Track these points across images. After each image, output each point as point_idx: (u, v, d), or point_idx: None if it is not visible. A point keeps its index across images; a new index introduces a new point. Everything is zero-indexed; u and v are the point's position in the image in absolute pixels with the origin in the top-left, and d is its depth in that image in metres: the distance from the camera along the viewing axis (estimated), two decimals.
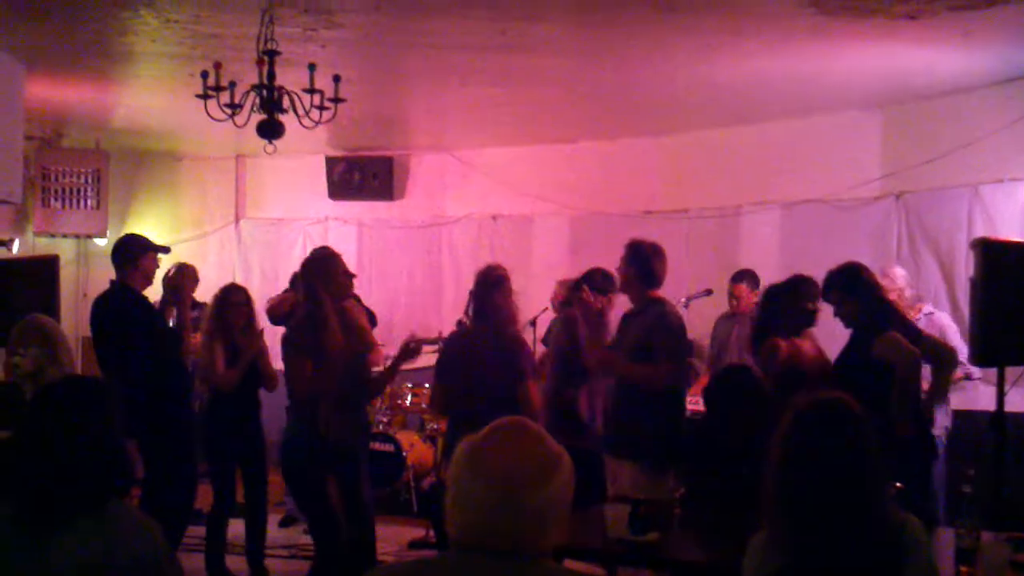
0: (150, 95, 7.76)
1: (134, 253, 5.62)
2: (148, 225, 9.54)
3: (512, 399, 4.95)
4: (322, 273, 5.03)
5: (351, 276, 5.25)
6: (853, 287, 5.15)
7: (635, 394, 5.31)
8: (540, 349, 7.48)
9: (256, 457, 6.25)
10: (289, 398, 5.16)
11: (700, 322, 7.77)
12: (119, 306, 5.54)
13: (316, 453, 4.96)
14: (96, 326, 5.59)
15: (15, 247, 8.87)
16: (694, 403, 7.27)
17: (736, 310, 7.54)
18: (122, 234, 5.98)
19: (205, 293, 8.25)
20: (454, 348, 5.49)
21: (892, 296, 6.41)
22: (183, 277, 5.87)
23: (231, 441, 6.19)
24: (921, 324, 6.32)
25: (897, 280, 6.51)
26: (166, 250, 5.96)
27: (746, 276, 7.53)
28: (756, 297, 7.46)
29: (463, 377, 5.28)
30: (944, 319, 6.61)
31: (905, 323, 5.27)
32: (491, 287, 5.23)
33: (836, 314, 5.25)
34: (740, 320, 7.51)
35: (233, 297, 6.12)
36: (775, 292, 5.44)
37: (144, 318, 5.60)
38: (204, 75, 5.53)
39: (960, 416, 6.40)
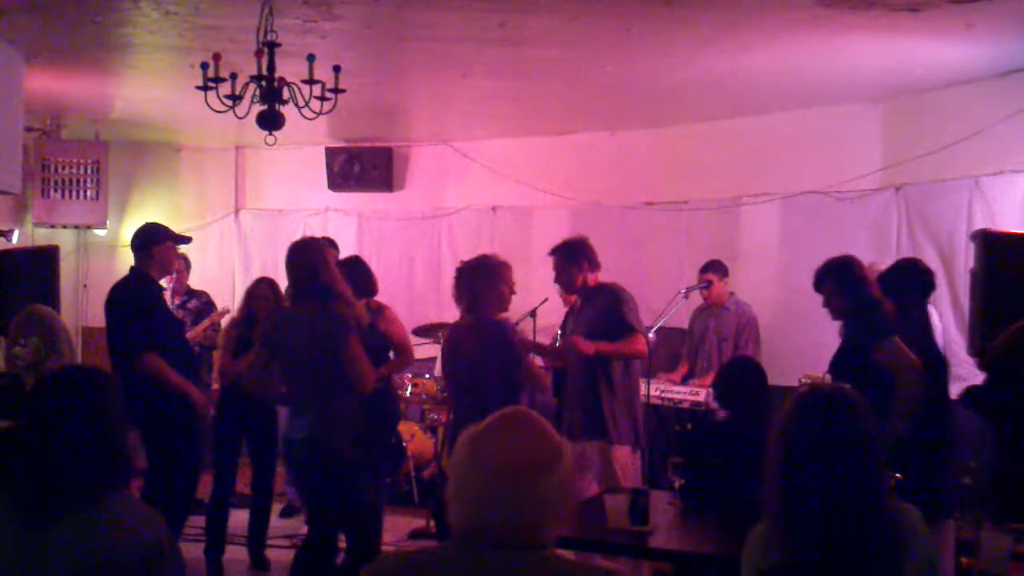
0: (150, 86, 7.75)
1: (150, 242, 5.65)
2: (148, 216, 9.51)
3: (501, 387, 4.97)
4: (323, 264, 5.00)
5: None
6: (847, 281, 5.11)
7: (595, 375, 5.42)
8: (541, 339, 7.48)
9: (265, 449, 6.28)
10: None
11: None
12: (130, 291, 5.57)
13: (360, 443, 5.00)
14: (107, 311, 5.63)
15: (15, 238, 8.86)
16: (694, 394, 7.31)
17: (708, 301, 7.55)
18: (143, 223, 6.01)
19: (205, 283, 8.30)
20: (447, 340, 5.53)
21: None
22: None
23: (238, 432, 6.23)
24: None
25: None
26: (186, 240, 6.00)
27: (712, 266, 7.54)
28: (726, 286, 7.50)
29: (453, 369, 5.37)
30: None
31: (896, 324, 5.21)
32: (473, 274, 5.23)
33: (825, 305, 5.21)
34: (715, 312, 7.53)
35: (256, 290, 6.21)
36: None
37: (152, 305, 5.62)
38: (204, 66, 5.52)
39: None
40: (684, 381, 7.57)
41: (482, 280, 5.17)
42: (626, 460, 5.41)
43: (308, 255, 4.94)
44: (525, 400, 5.06)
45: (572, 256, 5.58)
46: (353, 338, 4.73)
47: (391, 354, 6.14)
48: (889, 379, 4.76)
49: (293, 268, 4.95)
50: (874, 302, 5.08)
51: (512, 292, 5.27)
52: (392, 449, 7.14)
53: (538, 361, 6.17)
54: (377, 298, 6.25)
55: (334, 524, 4.95)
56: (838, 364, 5.10)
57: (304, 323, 4.81)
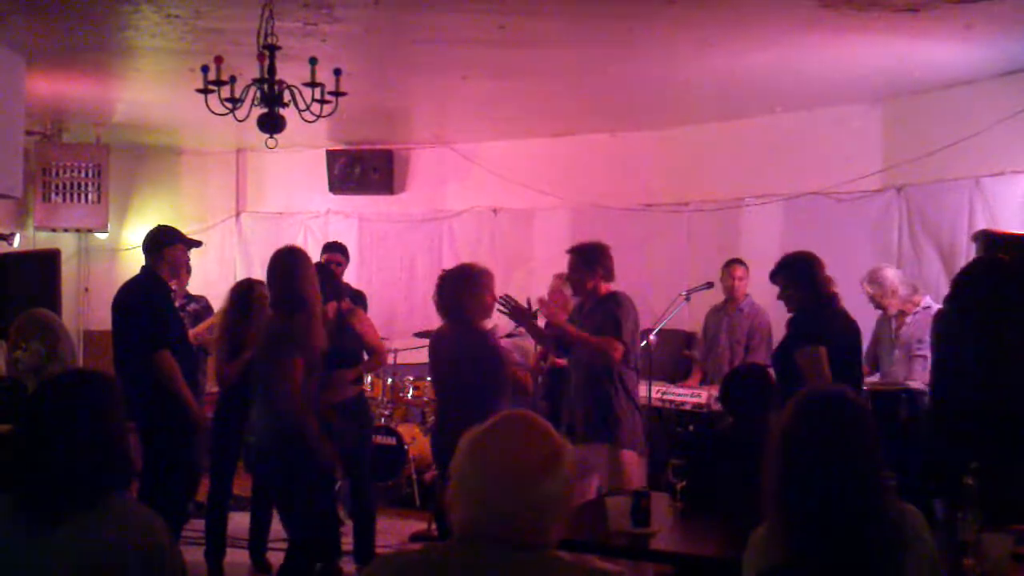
0: (151, 90, 7.76)
1: (162, 243, 5.68)
2: (149, 219, 9.53)
3: (481, 394, 4.97)
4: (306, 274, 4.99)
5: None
6: (800, 278, 5.16)
7: (604, 378, 5.42)
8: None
9: None
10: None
11: (702, 315, 7.81)
12: (144, 290, 5.60)
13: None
14: (117, 309, 5.64)
15: (16, 241, 8.87)
16: (696, 396, 7.30)
17: (732, 294, 7.52)
18: (155, 225, 6.07)
19: (206, 287, 8.29)
20: (431, 346, 5.58)
21: (886, 301, 6.49)
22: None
23: (237, 435, 6.21)
24: (918, 317, 6.35)
25: (887, 284, 6.56)
26: (196, 244, 6.01)
27: (738, 260, 7.54)
28: (746, 285, 7.49)
29: (436, 375, 5.49)
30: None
31: (844, 329, 5.21)
32: (457, 283, 5.26)
33: (779, 297, 5.28)
34: (730, 312, 7.51)
35: (259, 291, 6.15)
36: None
37: (165, 305, 5.64)
38: (205, 70, 5.52)
39: None
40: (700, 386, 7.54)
41: (466, 289, 5.20)
42: (633, 464, 5.40)
43: (279, 266, 4.94)
44: (505, 406, 5.05)
45: (590, 261, 5.56)
46: (289, 359, 4.68)
47: (364, 355, 6.14)
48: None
49: (268, 276, 5.02)
50: (825, 303, 5.11)
51: (495, 300, 5.30)
52: (377, 452, 7.10)
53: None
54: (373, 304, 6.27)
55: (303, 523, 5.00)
56: (776, 352, 5.24)
57: (265, 329, 4.97)
